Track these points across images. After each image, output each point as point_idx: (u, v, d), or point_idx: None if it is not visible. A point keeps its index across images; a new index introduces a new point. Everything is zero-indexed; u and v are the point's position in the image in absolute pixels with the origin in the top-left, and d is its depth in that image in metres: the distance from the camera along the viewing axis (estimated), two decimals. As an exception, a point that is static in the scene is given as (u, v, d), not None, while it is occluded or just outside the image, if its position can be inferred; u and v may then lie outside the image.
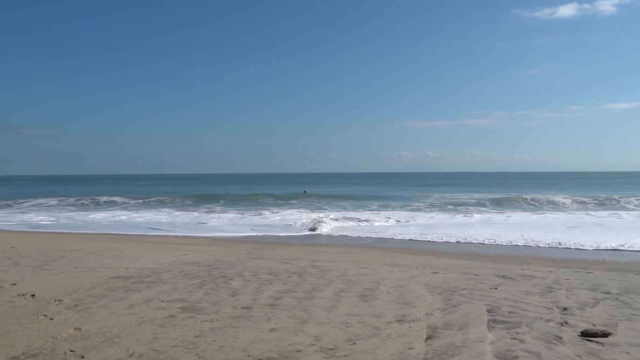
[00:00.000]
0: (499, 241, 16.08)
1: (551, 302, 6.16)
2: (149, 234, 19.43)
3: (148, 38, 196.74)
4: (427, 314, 5.63)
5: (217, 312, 5.73)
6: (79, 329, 4.99)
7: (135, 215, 28.30)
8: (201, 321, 5.32)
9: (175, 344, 4.56)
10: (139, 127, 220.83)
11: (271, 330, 5.02)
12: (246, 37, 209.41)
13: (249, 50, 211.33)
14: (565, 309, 5.81)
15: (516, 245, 15.46)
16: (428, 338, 4.72)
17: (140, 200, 40.61)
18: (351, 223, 22.98)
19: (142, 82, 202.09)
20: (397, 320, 5.36)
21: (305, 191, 49.11)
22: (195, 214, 29.09)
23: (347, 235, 18.48)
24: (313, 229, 20.04)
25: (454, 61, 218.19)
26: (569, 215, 26.70)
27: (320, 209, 32.45)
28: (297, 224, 22.00)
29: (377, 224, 22.77)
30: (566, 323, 5.16)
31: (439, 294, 6.77)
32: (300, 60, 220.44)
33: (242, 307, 5.96)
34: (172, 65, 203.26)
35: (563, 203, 35.02)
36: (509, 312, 5.63)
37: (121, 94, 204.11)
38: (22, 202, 38.29)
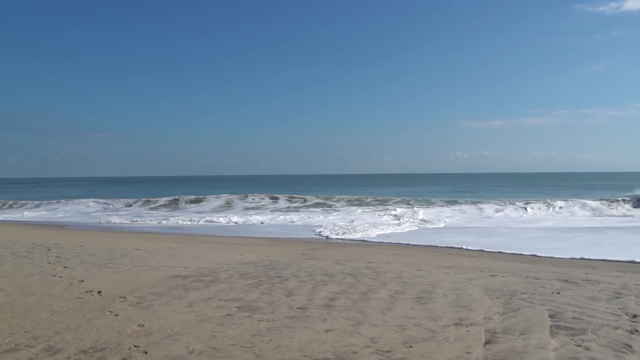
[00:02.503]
0: None
1: (619, 309, 5.86)
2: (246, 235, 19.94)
3: (208, 39, 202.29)
4: (485, 318, 5.49)
5: (273, 311, 5.81)
6: (142, 325, 5.19)
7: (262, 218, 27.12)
8: (258, 320, 5.40)
9: (233, 342, 4.65)
10: (194, 127, 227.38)
11: (327, 331, 5.04)
12: (302, 39, 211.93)
13: (305, 52, 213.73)
14: (635, 316, 5.51)
15: None
16: (487, 343, 4.60)
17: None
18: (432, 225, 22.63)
19: (201, 82, 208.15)
20: (454, 324, 5.25)
21: None
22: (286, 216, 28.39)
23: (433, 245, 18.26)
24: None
25: (514, 60, 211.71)
26: None
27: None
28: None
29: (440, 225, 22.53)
30: (636, 331, 4.89)
31: (497, 297, 6.58)
32: (356, 62, 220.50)
33: (298, 308, 6.01)
34: (230, 65, 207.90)
35: None
36: (573, 318, 5.40)
37: (179, 94, 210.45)
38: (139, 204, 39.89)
